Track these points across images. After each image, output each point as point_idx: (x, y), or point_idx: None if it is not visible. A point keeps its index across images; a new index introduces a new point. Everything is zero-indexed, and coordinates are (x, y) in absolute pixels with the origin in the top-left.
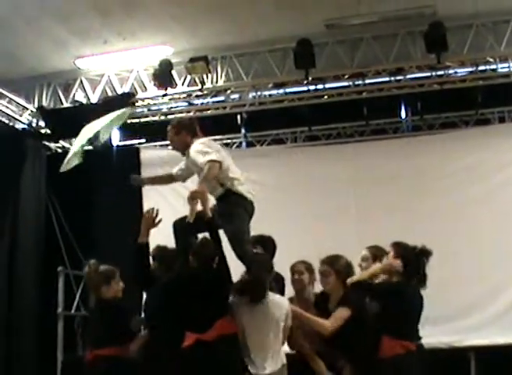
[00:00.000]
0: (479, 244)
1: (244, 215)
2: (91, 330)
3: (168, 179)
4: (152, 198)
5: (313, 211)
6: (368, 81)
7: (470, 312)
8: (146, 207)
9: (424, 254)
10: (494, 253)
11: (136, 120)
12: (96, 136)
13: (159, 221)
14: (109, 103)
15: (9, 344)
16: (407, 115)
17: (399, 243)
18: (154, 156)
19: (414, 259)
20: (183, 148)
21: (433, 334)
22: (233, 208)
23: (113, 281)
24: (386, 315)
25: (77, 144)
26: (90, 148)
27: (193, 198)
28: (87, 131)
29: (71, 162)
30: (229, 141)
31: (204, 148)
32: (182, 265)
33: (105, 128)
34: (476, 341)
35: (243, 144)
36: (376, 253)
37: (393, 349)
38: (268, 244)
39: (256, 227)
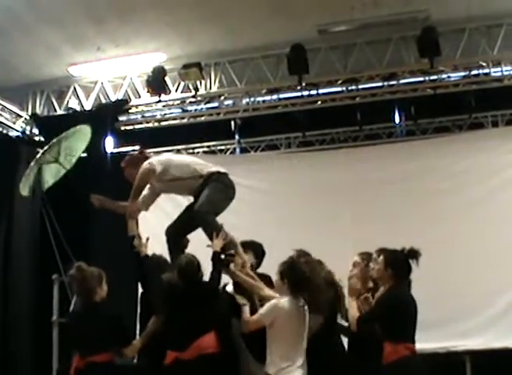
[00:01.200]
0: (475, 248)
1: (222, 190)
2: (80, 335)
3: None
4: (158, 214)
5: (307, 216)
6: (361, 86)
7: (465, 317)
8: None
9: (412, 255)
10: (490, 257)
11: (130, 127)
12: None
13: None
14: (103, 110)
15: (4, 351)
16: (400, 120)
17: (385, 249)
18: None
19: (402, 263)
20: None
21: (429, 338)
22: (217, 187)
23: (103, 283)
24: (387, 321)
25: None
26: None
27: (128, 215)
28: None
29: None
30: (222, 147)
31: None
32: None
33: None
34: (472, 345)
35: (237, 150)
36: (368, 259)
37: (398, 352)
38: (258, 250)
39: (250, 232)
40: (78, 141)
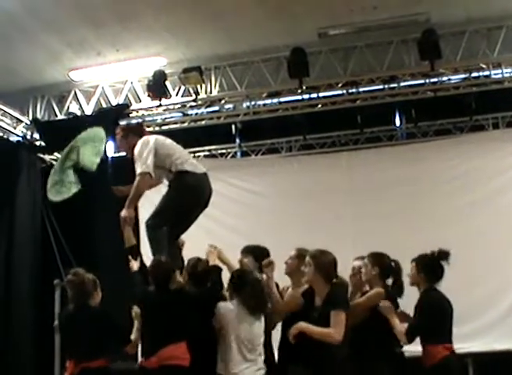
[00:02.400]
0: (476, 250)
1: (184, 194)
2: (74, 339)
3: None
4: (147, 209)
5: (308, 219)
6: (361, 89)
7: (468, 318)
8: (140, 216)
9: (443, 256)
10: (491, 259)
11: None
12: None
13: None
14: (104, 115)
15: (6, 357)
16: (401, 122)
17: (375, 253)
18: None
19: (435, 266)
20: (130, 151)
21: None
22: (177, 183)
23: (98, 289)
24: (427, 324)
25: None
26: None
27: (123, 224)
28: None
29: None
30: (223, 150)
31: (139, 151)
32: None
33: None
34: (474, 347)
35: (238, 153)
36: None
37: (439, 353)
38: (258, 254)
39: (251, 235)
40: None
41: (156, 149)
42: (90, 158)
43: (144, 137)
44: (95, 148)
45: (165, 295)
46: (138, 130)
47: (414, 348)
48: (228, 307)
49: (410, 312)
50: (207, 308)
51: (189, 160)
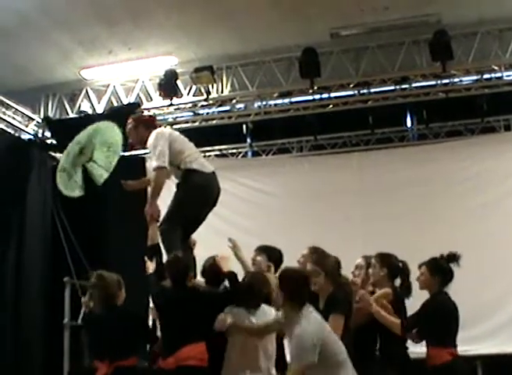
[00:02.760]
0: (486, 252)
1: (192, 195)
2: (104, 339)
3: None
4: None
5: (319, 220)
6: (373, 90)
7: (477, 321)
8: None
9: (453, 259)
10: (501, 261)
11: None
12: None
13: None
14: (115, 113)
15: (16, 354)
16: (412, 123)
17: (383, 253)
18: None
19: (446, 269)
20: (140, 143)
21: None
22: (185, 184)
23: (122, 289)
24: (431, 326)
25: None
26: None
27: (150, 219)
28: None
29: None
30: (234, 150)
31: (154, 144)
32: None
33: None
34: (483, 350)
35: (249, 153)
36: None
37: (442, 357)
38: (271, 253)
39: (262, 235)
40: (108, 134)
41: (170, 143)
42: (99, 172)
43: (159, 129)
44: (108, 158)
45: (181, 292)
46: (150, 123)
47: (420, 349)
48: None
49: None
50: (222, 309)
51: (198, 159)
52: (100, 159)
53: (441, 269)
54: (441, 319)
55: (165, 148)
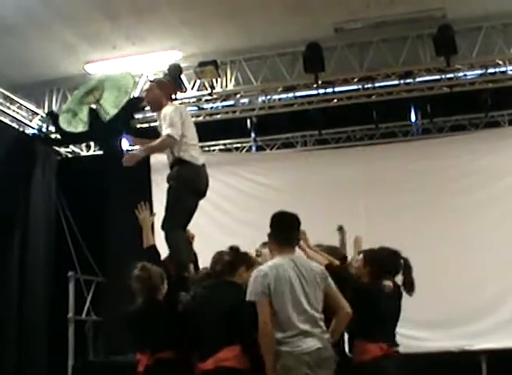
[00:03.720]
0: (489, 247)
1: (183, 186)
2: (147, 332)
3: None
4: (162, 201)
5: (323, 214)
6: (377, 85)
7: (481, 316)
8: (156, 211)
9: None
10: (504, 256)
11: (146, 125)
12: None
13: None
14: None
15: (20, 348)
16: (416, 118)
17: (371, 251)
18: (164, 160)
19: (386, 260)
20: (156, 106)
21: (444, 338)
22: (173, 178)
23: (165, 283)
24: (361, 317)
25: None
26: (100, 152)
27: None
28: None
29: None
30: (238, 145)
31: (172, 115)
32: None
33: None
34: (487, 345)
35: (253, 148)
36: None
37: (371, 352)
38: None
39: (264, 229)
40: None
41: (183, 121)
42: (107, 109)
43: (178, 104)
44: (118, 98)
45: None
46: (169, 89)
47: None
48: None
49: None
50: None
51: (193, 149)
52: (109, 99)
53: (376, 260)
54: (367, 312)
55: (180, 123)
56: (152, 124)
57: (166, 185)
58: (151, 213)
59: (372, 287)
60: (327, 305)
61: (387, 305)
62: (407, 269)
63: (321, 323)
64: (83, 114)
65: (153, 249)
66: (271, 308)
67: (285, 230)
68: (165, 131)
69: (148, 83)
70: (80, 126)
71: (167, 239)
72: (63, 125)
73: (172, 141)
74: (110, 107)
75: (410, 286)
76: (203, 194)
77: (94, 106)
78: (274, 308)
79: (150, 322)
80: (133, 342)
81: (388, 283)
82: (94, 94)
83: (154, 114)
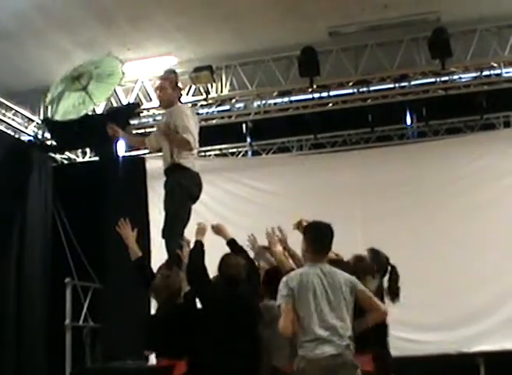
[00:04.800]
0: (487, 249)
1: (183, 194)
2: (179, 337)
3: (140, 142)
4: (158, 206)
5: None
6: (372, 88)
7: (479, 318)
8: (152, 216)
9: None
10: (502, 258)
11: (142, 130)
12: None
13: (138, 229)
14: (114, 114)
15: (18, 355)
16: (412, 121)
17: (376, 250)
18: (160, 166)
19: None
20: (167, 104)
21: (442, 340)
22: (174, 185)
23: (184, 282)
24: None
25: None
26: (96, 158)
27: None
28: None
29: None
30: (234, 150)
31: (188, 119)
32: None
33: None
34: (485, 347)
35: (249, 152)
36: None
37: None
38: None
39: (262, 234)
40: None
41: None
42: (95, 97)
43: (191, 107)
44: (106, 87)
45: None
46: (179, 91)
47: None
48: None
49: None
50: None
51: (192, 156)
52: (98, 89)
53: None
54: None
55: (195, 133)
56: (148, 130)
57: (162, 190)
58: (133, 229)
59: None
60: (363, 308)
61: None
62: (394, 277)
63: (342, 331)
64: (69, 102)
65: (141, 260)
66: (294, 313)
67: (321, 239)
68: (184, 135)
69: (162, 81)
70: (68, 114)
71: (167, 248)
72: (50, 114)
73: (188, 148)
74: (98, 95)
75: (394, 294)
76: (197, 199)
77: (80, 93)
78: (297, 313)
79: (180, 327)
80: (160, 348)
81: None
82: (81, 80)
83: (150, 120)
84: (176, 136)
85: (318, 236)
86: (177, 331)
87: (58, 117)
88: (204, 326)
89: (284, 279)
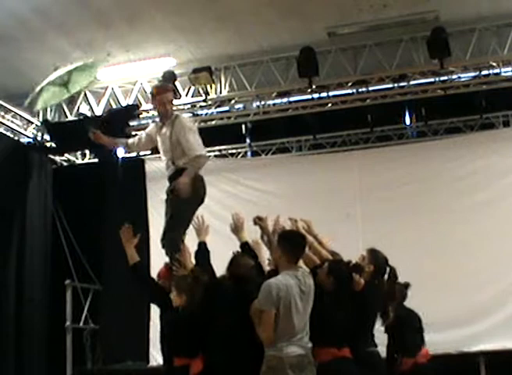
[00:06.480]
0: (487, 248)
1: (192, 197)
2: (197, 336)
3: (124, 144)
4: (157, 208)
5: (318, 218)
6: (371, 88)
7: (479, 317)
8: (151, 218)
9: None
10: (503, 257)
11: (141, 132)
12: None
13: (140, 234)
14: (113, 115)
15: (19, 357)
16: (411, 121)
17: (375, 250)
18: (160, 167)
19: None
20: (166, 117)
21: (443, 340)
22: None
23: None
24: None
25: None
26: (96, 160)
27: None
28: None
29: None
30: (234, 150)
31: (193, 131)
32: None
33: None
34: (486, 346)
35: (248, 153)
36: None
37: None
38: None
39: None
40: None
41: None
42: (71, 86)
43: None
44: (90, 75)
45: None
46: (173, 100)
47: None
48: None
49: None
50: None
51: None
52: (77, 82)
53: (337, 271)
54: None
55: (200, 140)
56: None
57: (161, 192)
58: (134, 233)
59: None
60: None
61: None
62: (393, 279)
63: (306, 336)
64: (48, 94)
65: (139, 265)
66: (275, 322)
67: (296, 249)
68: (195, 151)
69: (161, 96)
70: (48, 102)
71: (169, 246)
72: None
73: (206, 160)
74: (76, 86)
75: (391, 295)
76: (202, 202)
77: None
78: (276, 321)
79: (198, 326)
80: (181, 346)
81: None
82: (62, 77)
83: (149, 121)
84: (194, 165)
85: (292, 245)
86: (198, 330)
87: (38, 107)
88: (215, 325)
89: (274, 285)
